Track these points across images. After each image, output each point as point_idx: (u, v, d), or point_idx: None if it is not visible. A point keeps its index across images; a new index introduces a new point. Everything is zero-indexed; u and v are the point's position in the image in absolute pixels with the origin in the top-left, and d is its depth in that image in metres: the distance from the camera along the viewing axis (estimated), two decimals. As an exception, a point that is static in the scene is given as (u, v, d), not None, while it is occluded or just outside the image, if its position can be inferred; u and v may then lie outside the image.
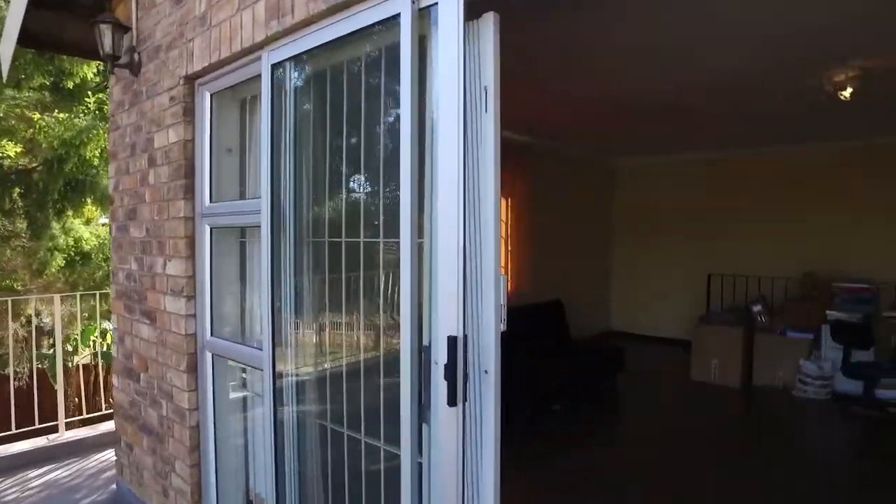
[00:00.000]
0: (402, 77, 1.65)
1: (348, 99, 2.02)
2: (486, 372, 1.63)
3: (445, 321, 1.57)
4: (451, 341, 1.53)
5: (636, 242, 8.08)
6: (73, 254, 5.61)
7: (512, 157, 6.15)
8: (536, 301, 6.25)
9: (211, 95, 2.58)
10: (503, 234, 6.13)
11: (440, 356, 1.58)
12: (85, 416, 4.12)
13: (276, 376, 2.20)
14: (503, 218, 6.12)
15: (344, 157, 2.04)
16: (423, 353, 1.70)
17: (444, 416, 1.60)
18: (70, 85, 5.01)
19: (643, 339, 7.92)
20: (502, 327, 1.67)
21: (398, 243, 1.71)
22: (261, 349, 2.25)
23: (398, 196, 1.71)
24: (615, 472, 3.80)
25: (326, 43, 1.93)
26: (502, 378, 1.60)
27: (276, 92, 2.14)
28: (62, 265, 5.49)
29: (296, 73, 2.12)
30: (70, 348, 6.14)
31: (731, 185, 7.16)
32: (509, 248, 6.22)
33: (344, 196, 2.06)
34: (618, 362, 5.61)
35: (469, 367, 1.60)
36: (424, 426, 1.75)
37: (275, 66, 2.12)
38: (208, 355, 2.64)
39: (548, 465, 3.89)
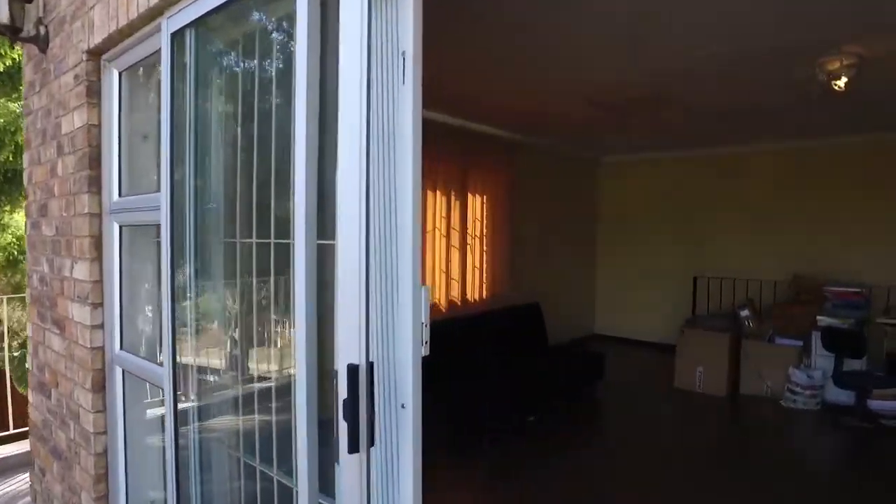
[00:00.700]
0: (298, 42, 1.33)
1: (259, 73, 1.70)
2: (402, 406, 1.32)
3: (346, 345, 1.25)
4: (352, 371, 1.22)
5: (621, 242, 7.80)
6: (15, 252, 5.25)
7: (488, 152, 5.85)
8: (514, 304, 5.96)
9: (120, 73, 2.25)
10: (478, 232, 5.81)
11: (341, 389, 1.26)
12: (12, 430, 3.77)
13: (178, 397, 1.88)
14: (477, 216, 5.80)
15: (255, 143, 1.72)
16: (335, 380, 1.39)
17: (346, 463, 1.28)
18: (0, 67, 4.64)
19: (627, 342, 7.64)
20: (424, 351, 1.36)
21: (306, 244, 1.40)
22: (162, 365, 1.92)
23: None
24: (593, 489, 3.50)
25: (229, 4, 1.61)
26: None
27: (178, 65, 1.82)
28: (2, 264, 5.12)
29: (199, 44, 1.79)
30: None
31: (718, 183, 6.89)
32: (485, 248, 5.91)
33: (255, 189, 1.74)
34: (597, 369, 5.32)
35: (379, 402, 1.29)
36: (336, 465, 1.45)
37: (175, 36, 1.79)
38: (118, 371, 2.31)
39: (522, 479, 3.59)
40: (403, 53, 1.29)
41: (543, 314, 5.91)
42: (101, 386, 2.30)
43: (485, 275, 5.92)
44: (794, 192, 6.33)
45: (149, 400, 2.39)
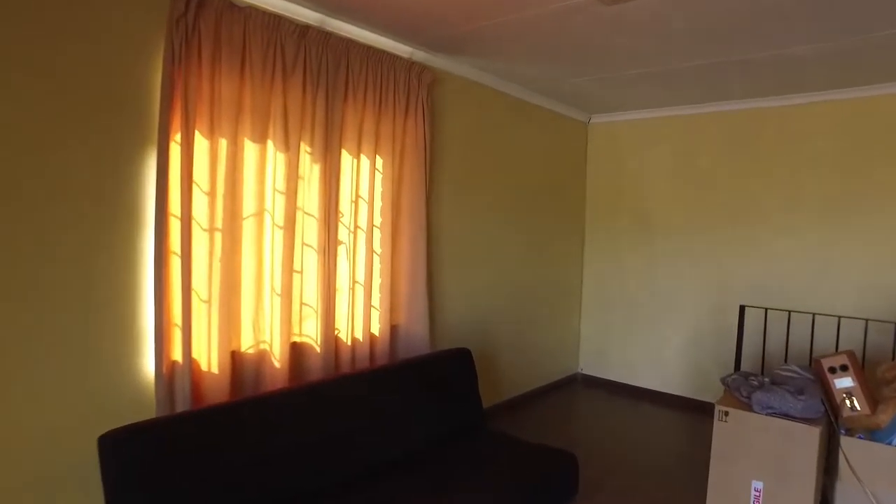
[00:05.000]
0: None
1: None
2: None
3: None
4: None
5: (620, 244, 5.26)
6: None
7: (387, 83, 3.32)
8: (428, 351, 3.50)
9: None
10: (363, 222, 3.27)
11: None
12: None
13: None
14: (362, 194, 3.27)
15: None
16: None
17: None
18: None
19: (626, 392, 5.12)
20: None
21: None
22: None
23: None
24: None
25: None
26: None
27: None
28: None
29: None
30: None
31: (781, 154, 4.34)
32: (376, 250, 3.39)
33: None
34: (566, 481, 2.80)
35: None
36: None
37: None
38: None
39: None
40: None
41: (477, 364, 3.41)
42: None
43: (374, 297, 3.40)
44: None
45: None
